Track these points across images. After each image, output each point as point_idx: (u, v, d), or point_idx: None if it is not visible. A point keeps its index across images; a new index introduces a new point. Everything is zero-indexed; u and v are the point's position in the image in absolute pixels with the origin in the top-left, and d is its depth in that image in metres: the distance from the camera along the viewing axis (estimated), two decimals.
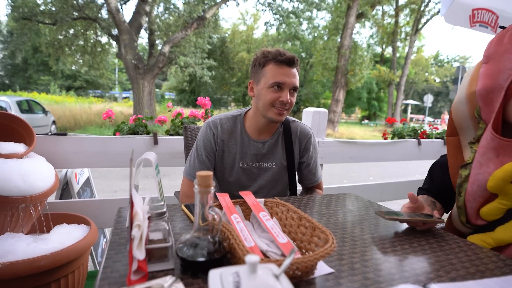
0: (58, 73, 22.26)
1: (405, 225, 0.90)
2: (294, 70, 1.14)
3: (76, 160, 1.62)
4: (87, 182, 2.12)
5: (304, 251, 0.66)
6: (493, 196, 0.85)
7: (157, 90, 25.99)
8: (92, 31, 12.50)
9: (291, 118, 1.32)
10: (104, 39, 13.25)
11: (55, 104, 13.22)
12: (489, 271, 0.66)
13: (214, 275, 0.41)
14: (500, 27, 0.84)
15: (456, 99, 0.97)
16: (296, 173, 1.32)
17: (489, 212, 0.86)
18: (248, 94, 1.24)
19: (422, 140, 2.68)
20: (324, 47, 15.77)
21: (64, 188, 1.86)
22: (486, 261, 0.70)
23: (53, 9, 11.11)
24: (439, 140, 2.80)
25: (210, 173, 0.55)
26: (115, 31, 11.44)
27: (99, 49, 13.09)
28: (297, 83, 1.15)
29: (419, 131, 2.90)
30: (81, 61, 13.79)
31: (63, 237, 1.28)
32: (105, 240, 2.07)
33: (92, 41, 12.77)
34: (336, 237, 0.79)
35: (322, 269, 0.61)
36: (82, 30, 12.17)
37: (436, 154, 2.75)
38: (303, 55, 22.73)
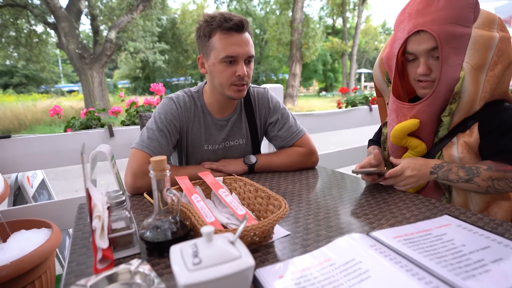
0: None
1: (355, 185, 1.00)
2: (246, 35, 0.98)
3: (26, 162, 1.53)
4: (43, 184, 2.01)
5: (262, 219, 0.71)
6: (407, 149, 0.99)
7: (108, 79, 24.35)
8: (24, 20, 11.21)
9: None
10: (40, 28, 11.96)
11: None
12: (421, 214, 0.76)
13: (175, 249, 0.44)
14: None
15: (374, 65, 1.08)
16: (261, 144, 1.25)
17: None
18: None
19: (373, 106, 2.86)
20: (277, 22, 15.73)
21: (17, 194, 1.76)
22: (420, 206, 0.81)
23: None
24: None
25: (164, 157, 0.57)
26: (51, 19, 10.37)
27: (35, 40, 11.80)
28: (252, 51, 1.00)
29: (369, 98, 3.08)
30: (16, 54, 12.43)
31: (23, 244, 1.22)
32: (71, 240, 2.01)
33: (25, 31, 11.48)
34: (292, 203, 0.85)
35: (279, 232, 0.67)
36: (11, 19, 10.86)
37: None
38: (257, 31, 22.47)
